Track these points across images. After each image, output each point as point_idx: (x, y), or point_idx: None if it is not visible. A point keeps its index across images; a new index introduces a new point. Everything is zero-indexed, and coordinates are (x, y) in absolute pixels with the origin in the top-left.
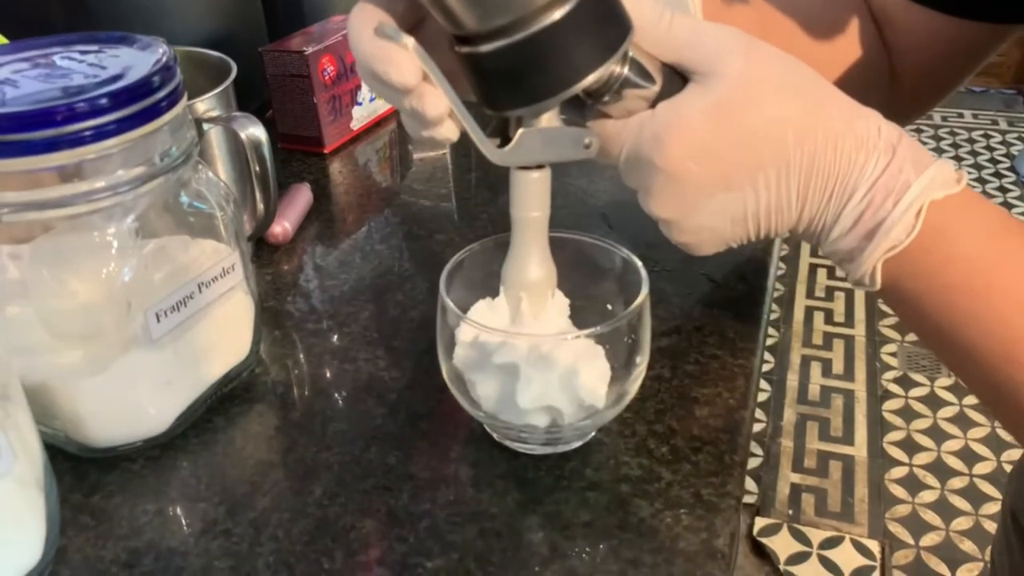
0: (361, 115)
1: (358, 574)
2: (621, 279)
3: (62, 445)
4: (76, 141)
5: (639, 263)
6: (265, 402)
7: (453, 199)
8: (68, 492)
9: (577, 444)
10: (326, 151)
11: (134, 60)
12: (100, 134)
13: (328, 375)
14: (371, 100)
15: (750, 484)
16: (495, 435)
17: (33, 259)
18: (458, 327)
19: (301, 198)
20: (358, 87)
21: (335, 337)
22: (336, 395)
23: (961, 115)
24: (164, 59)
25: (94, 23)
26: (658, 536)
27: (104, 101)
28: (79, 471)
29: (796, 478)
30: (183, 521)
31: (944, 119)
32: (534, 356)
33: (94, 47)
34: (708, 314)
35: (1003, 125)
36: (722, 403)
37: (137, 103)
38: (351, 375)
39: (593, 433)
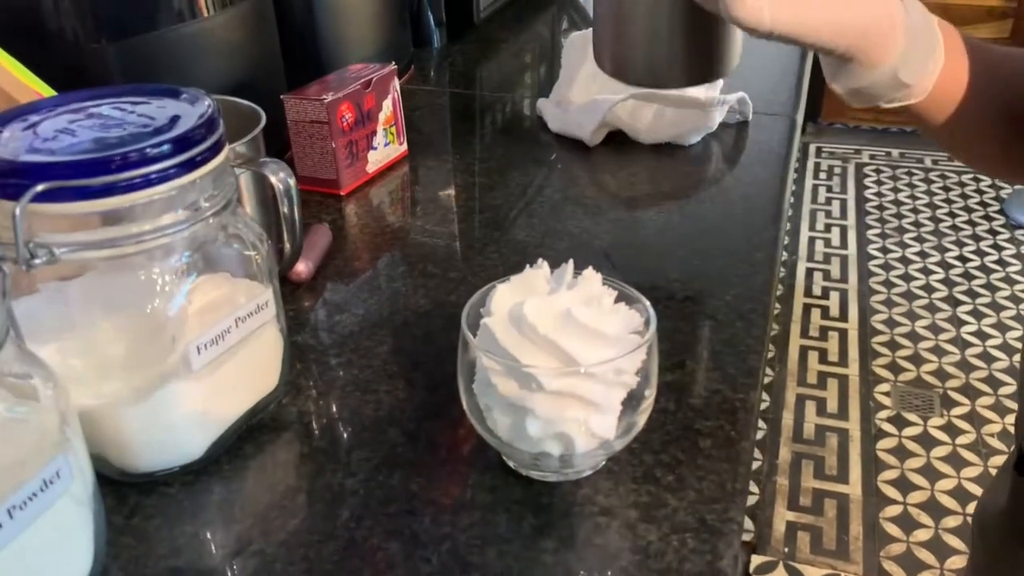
0: (376, 159)
1: None
2: None
3: (103, 470)
4: (128, 187)
5: (647, 301)
6: (292, 431)
7: (462, 239)
8: (110, 514)
9: (588, 472)
10: (343, 193)
11: (180, 111)
12: (151, 181)
13: (351, 406)
14: (385, 145)
15: (746, 522)
16: (511, 463)
17: (82, 295)
18: (478, 360)
19: (321, 238)
20: (373, 133)
21: (356, 370)
22: (359, 424)
23: (952, 158)
24: (209, 111)
25: (128, 70)
26: (665, 558)
27: (155, 151)
28: (119, 494)
29: (791, 516)
30: (219, 542)
31: (935, 162)
32: (546, 386)
33: (142, 99)
34: (709, 351)
35: None
36: (724, 435)
37: (184, 153)
38: (372, 405)
39: (603, 462)
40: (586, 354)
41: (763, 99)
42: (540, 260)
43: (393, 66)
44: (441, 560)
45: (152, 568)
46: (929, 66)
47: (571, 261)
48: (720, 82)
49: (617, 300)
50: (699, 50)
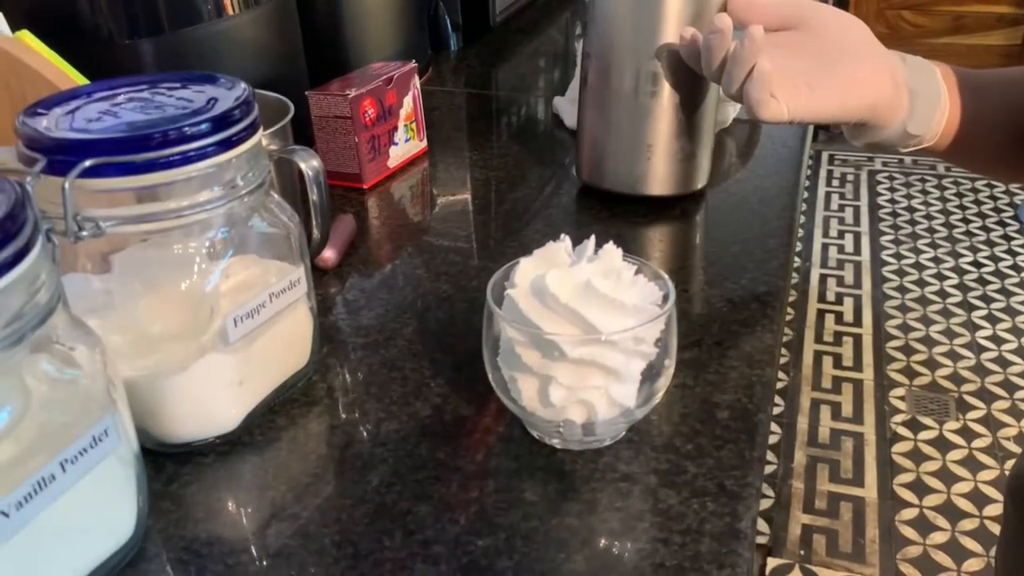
0: (397, 154)
1: (416, 550)
2: None
3: (142, 440)
4: (168, 164)
5: (666, 275)
6: (322, 405)
7: (483, 230)
8: (149, 481)
9: (609, 442)
10: (365, 187)
11: (217, 95)
12: (189, 158)
13: (378, 382)
14: (406, 141)
15: (762, 525)
16: (535, 433)
17: (122, 271)
18: (502, 331)
19: (347, 227)
20: (395, 128)
21: (383, 350)
22: (386, 399)
23: None
24: (245, 95)
25: (159, 66)
26: (686, 519)
27: (193, 129)
28: (157, 464)
29: (807, 519)
30: (255, 507)
31: (948, 168)
32: (568, 354)
33: (180, 84)
34: (726, 331)
35: None
36: (741, 407)
37: (222, 132)
38: (399, 382)
39: (624, 431)
40: (606, 323)
41: None
42: (562, 235)
43: (413, 64)
44: (469, 520)
45: (190, 531)
46: (936, 116)
47: (592, 236)
48: None
49: (636, 274)
50: (674, 166)
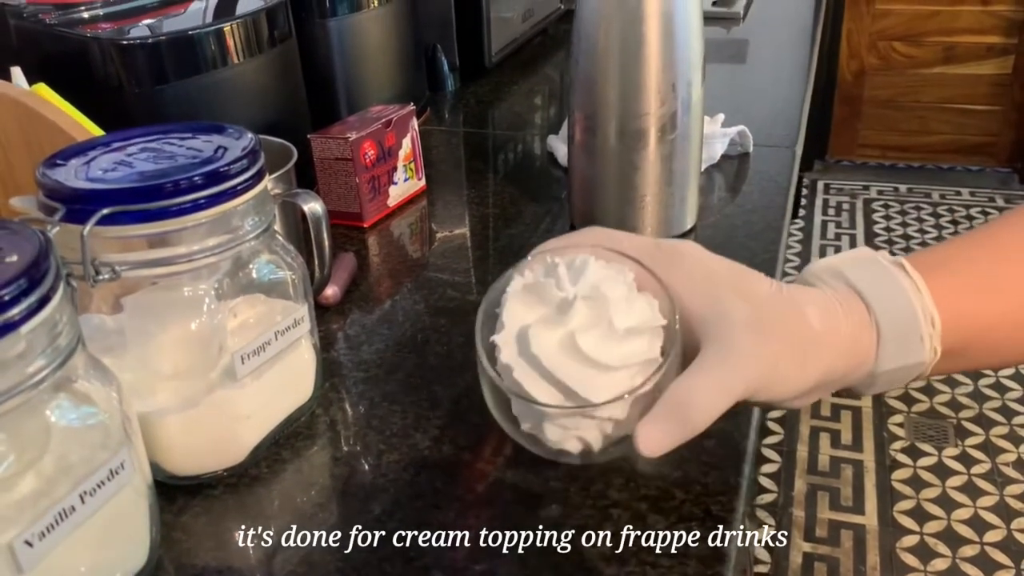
0: (396, 193)
1: None
2: None
3: (154, 473)
4: (180, 211)
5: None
6: (325, 438)
7: (480, 266)
8: (161, 513)
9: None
10: (366, 225)
11: (226, 144)
12: (200, 206)
13: (379, 415)
14: (405, 180)
15: (763, 554)
16: (534, 450)
17: (134, 311)
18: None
19: (348, 265)
20: (394, 169)
21: (383, 383)
22: (387, 431)
23: (959, 192)
24: (251, 145)
25: (168, 112)
26: (673, 543)
27: (203, 178)
28: (168, 495)
29: (808, 547)
30: (263, 535)
31: (943, 196)
32: (557, 419)
33: (190, 134)
34: None
35: (1000, 202)
36: (726, 436)
37: (229, 180)
38: (399, 415)
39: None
40: (594, 391)
41: (763, 132)
42: (553, 260)
43: (412, 106)
44: (467, 547)
45: (201, 559)
46: (917, 371)
47: (590, 260)
48: (721, 116)
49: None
50: (664, 212)
